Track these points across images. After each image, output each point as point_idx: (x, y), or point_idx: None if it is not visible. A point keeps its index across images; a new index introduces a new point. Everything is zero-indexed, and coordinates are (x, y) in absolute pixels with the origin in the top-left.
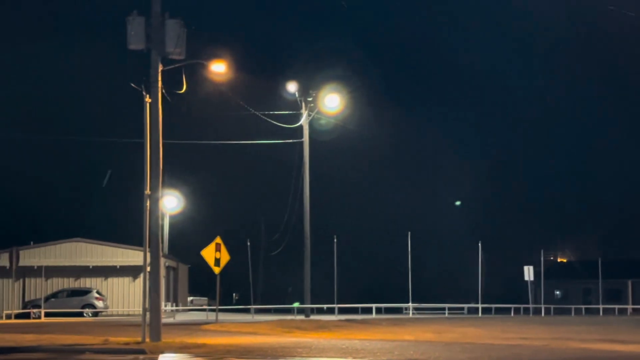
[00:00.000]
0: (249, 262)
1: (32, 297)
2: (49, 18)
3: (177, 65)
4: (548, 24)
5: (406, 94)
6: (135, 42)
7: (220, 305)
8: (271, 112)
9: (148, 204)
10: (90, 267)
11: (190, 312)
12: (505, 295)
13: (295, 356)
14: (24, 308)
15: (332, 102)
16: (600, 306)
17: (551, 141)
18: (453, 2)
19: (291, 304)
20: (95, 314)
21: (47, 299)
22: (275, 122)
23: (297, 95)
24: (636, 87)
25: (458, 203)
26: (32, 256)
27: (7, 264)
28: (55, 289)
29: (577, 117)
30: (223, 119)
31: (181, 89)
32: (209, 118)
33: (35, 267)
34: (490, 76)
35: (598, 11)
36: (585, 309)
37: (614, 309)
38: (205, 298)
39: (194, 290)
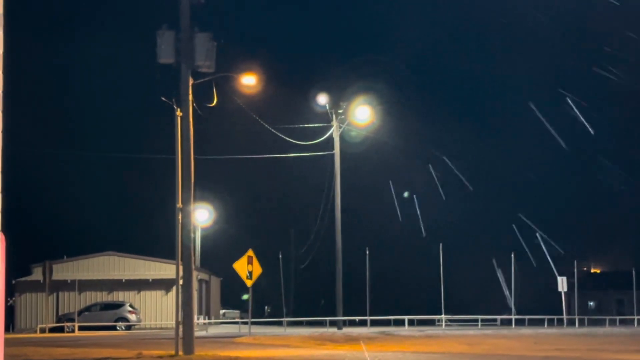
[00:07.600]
0: (280, 275)
1: (66, 311)
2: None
3: (207, 78)
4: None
5: (437, 106)
6: (166, 56)
7: (252, 318)
8: (301, 125)
9: (180, 217)
10: (123, 280)
11: (222, 325)
12: (539, 306)
13: None
14: (57, 322)
15: (362, 114)
16: (635, 317)
17: (584, 152)
18: (485, 18)
19: (324, 316)
20: (128, 328)
21: (80, 312)
22: (296, 141)
23: (327, 107)
24: None
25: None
26: (66, 270)
27: (40, 277)
28: (88, 303)
29: (608, 127)
30: (253, 132)
31: (212, 102)
32: (239, 130)
33: (69, 281)
34: (523, 91)
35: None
36: (620, 320)
37: None
38: (238, 311)
39: (226, 303)
